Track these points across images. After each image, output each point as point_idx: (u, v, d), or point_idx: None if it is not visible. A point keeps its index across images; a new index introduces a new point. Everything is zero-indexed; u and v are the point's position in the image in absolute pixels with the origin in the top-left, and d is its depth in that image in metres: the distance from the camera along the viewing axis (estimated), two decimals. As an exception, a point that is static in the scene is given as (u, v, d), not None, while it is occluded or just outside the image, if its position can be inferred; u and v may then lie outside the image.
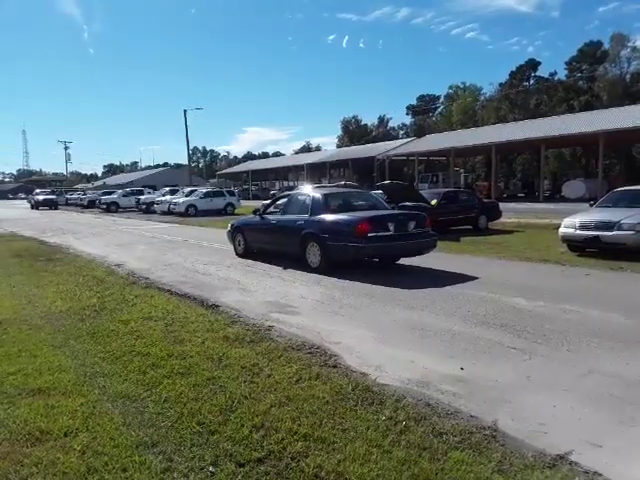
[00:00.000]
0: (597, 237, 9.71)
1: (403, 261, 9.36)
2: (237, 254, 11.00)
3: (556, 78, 65.15)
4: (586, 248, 10.19)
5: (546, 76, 66.80)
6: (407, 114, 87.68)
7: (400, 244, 8.50)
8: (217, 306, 6.41)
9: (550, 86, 64.11)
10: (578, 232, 10.04)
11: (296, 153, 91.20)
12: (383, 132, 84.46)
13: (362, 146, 58.54)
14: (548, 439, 2.96)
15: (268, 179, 73.72)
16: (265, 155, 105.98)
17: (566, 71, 63.87)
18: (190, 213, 27.88)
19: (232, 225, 11.43)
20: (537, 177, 40.33)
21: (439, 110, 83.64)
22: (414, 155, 44.34)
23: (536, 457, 2.75)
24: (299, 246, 9.05)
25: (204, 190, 31.56)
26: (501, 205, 18.85)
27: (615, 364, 4.09)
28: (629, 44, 58.92)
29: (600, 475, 2.58)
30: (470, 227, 15.82)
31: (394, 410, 3.33)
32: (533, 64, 69.26)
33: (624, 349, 4.43)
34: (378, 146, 51.67)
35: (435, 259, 9.36)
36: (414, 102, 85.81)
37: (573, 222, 10.26)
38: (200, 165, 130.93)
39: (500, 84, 70.42)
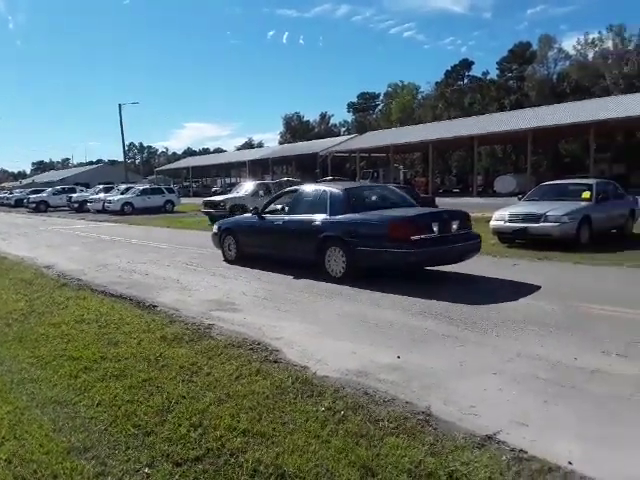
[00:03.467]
0: (525, 229, 10.27)
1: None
2: (226, 260, 9.51)
3: (488, 77, 68.00)
4: (515, 239, 10.75)
5: (479, 75, 69.62)
6: (348, 111, 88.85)
7: (446, 249, 7.03)
8: (155, 306, 6.25)
9: (483, 85, 66.84)
10: (508, 224, 10.58)
11: (238, 149, 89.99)
12: (325, 129, 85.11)
13: (305, 143, 58.66)
14: (478, 420, 3.10)
15: (210, 176, 72.38)
16: (206, 151, 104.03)
17: (498, 71, 66.81)
18: (126, 211, 26.92)
19: (219, 226, 9.91)
20: (471, 173, 41.97)
21: (379, 108, 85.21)
22: (355, 152, 44.98)
23: (466, 438, 2.88)
24: (315, 251, 7.63)
25: (141, 187, 30.58)
26: (438, 200, 19.53)
27: (540, 348, 4.35)
28: (555, 45, 62.48)
29: (525, 452, 2.73)
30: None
31: (333, 401, 3.38)
32: (467, 64, 72.01)
33: (548, 334, 4.72)
34: (320, 142, 51.98)
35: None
36: (355, 99, 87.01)
37: (503, 215, 10.80)
38: (137, 162, 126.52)
39: (436, 83, 72.74)
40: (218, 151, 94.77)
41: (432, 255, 6.89)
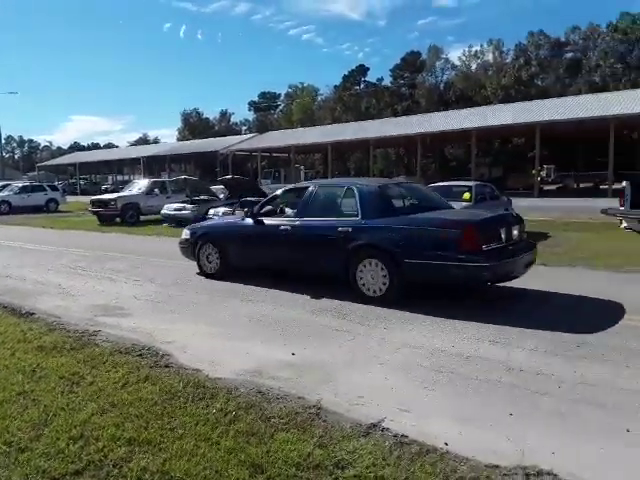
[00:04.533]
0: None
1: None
2: (205, 273, 7.65)
3: (383, 84, 71.19)
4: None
5: (374, 81, 72.62)
6: (249, 110, 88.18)
7: (516, 260, 5.73)
8: (32, 314, 5.75)
9: (378, 91, 69.82)
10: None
11: (131, 145, 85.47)
12: (226, 127, 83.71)
13: (204, 140, 57.18)
14: (365, 410, 3.25)
15: (100, 172, 67.95)
16: (96, 146, 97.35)
17: (391, 78, 70.20)
18: (3, 211, 24.45)
19: (192, 232, 7.95)
20: (368, 174, 43.65)
21: (280, 108, 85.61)
22: (257, 151, 44.76)
23: (353, 428, 3.01)
24: (341, 265, 6.11)
25: (20, 184, 27.92)
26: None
27: (422, 338, 4.65)
28: (443, 56, 67.03)
29: (406, 437, 2.91)
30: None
31: (225, 402, 3.36)
32: (363, 69, 74.72)
33: (431, 324, 5.06)
34: (221, 141, 50.99)
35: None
36: (256, 98, 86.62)
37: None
38: (16, 156, 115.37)
39: (335, 86, 74.70)
40: (109, 146, 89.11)
41: (506, 269, 5.59)
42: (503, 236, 5.77)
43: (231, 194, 16.27)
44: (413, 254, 5.60)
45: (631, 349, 4.17)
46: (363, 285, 5.98)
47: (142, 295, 6.65)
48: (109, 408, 3.29)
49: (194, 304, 6.16)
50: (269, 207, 7.59)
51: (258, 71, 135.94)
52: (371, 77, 73.88)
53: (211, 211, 14.75)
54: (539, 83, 56.57)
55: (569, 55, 57.46)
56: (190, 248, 7.90)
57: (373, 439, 2.88)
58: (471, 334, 4.70)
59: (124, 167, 64.51)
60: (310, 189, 6.92)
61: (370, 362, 4.10)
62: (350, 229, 6.09)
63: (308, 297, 6.26)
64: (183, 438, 2.90)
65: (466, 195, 11.78)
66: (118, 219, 18.01)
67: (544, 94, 47.82)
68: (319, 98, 78.17)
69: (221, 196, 17.37)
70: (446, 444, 2.80)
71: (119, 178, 60.81)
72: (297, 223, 6.67)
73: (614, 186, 22.67)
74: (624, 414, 3.10)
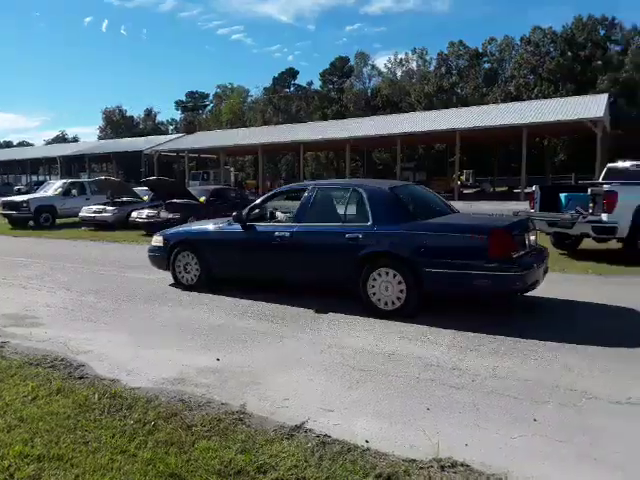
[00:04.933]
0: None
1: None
2: (180, 285, 6.91)
3: (313, 87, 71.92)
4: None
5: (304, 85, 73.19)
6: (177, 109, 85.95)
7: (539, 268, 5.38)
8: None
9: (308, 94, 70.44)
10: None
11: (48, 143, 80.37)
12: (151, 126, 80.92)
13: (128, 139, 54.91)
14: (289, 412, 3.26)
15: (13, 172, 63.28)
16: (8, 145, 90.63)
17: (321, 82, 71.07)
18: None
19: (166, 238, 7.11)
20: (298, 177, 43.85)
21: (209, 108, 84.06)
22: (184, 151, 43.57)
23: (277, 431, 3.01)
24: (349, 275, 5.58)
25: None
26: (267, 202, 19.85)
27: (349, 338, 4.74)
28: (370, 62, 68.82)
29: (329, 437, 2.95)
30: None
31: (144, 412, 3.24)
32: (293, 72, 75.15)
33: (358, 325, 5.16)
34: (146, 140, 49.17)
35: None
36: (183, 98, 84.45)
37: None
38: None
39: (265, 88, 74.47)
40: (23, 144, 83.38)
41: (534, 277, 5.21)
42: (526, 242, 5.48)
43: (156, 196, 15.76)
44: (435, 263, 5.11)
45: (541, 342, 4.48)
46: (375, 297, 5.42)
47: (56, 303, 6.27)
48: (17, 424, 3.08)
49: (114, 311, 5.89)
50: (257, 211, 6.81)
51: (185, 70, 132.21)
52: (301, 80, 74.51)
53: (137, 212, 14.18)
54: (459, 91, 59.47)
55: (487, 66, 60.90)
56: (163, 257, 7.04)
57: (296, 441, 2.90)
58: (394, 332, 4.85)
59: (40, 167, 60.52)
60: (309, 191, 6.25)
61: (297, 364, 4.12)
62: (360, 236, 5.50)
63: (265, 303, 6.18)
64: (97, 452, 2.77)
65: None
66: (31, 222, 16.88)
67: (464, 102, 50.42)
68: (249, 99, 77.58)
69: (145, 198, 16.77)
70: (367, 441, 2.87)
71: (34, 178, 56.92)
72: (296, 229, 6.00)
73: (526, 190, 24.27)
74: (531, 404, 3.32)
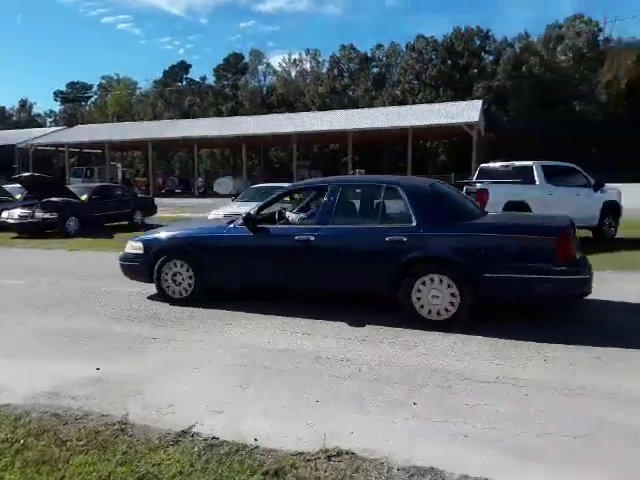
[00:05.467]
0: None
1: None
2: (168, 298, 5.92)
3: (206, 82, 70.14)
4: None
5: (197, 79, 71.15)
6: (56, 100, 79.09)
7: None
8: None
9: (202, 89, 68.58)
10: (222, 224, 11.10)
11: None
12: (26, 118, 73.72)
13: (-2, 132, 49.49)
14: (176, 418, 3.15)
15: None
16: None
17: (215, 77, 69.53)
18: None
19: (148, 245, 6.04)
20: (193, 174, 42.58)
21: (93, 100, 78.49)
22: (64, 146, 40.26)
23: (161, 438, 2.90)
24: (388, 281, 5.00)
25: None
26: (160, 200, 19.18)
27: (240, 337, 4.69)
28: (264, 60, 68.65)
29: (217, 439, 2.89)
30: (126, 223, 15.53)
31: (12, 430, 2.95)
32: (185, 66, 72.69)
33: (249, 322, 5.13)
34: (20, 133, 44.66)
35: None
36: (64, 88, 77.94)
37: (217, 215, 11.30)
38: None
39: (155, 81, 71.23)
40: None
41: (592, 280, 4.91)
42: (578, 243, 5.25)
43: (31, 194, 14.40)
44: (494, 268, 4.70)
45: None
46: (421, 307, 4.89)
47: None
48: None
49: (-22, 322, 5.28)
50: (265, 212, 6.04)
51: (67, 59, 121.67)
52: (194, 75, 72.31)
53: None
54: (351, 93, 61.50)
55: (375, 70, 63.61)
56: (143, 266, 5.98)
57: (182, 446, 2.81)
58: (285, 328, 4.89)
59: None
60: (331, 188, 5.52)
61: (185, 367, 3.99)
62: (405, 238, 4.92)
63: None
64: (-48, 481, 2.47)
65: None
66: None
67: (355, 104, 52.27)
68: (138, 92, 73.69)
69: (18, 196, 15.27)
70: (256, 440, 2.86)
71: None
72: (322, 232, 5.28)
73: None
74: (411, 389, 3.54)
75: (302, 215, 6.40)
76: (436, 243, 4.91)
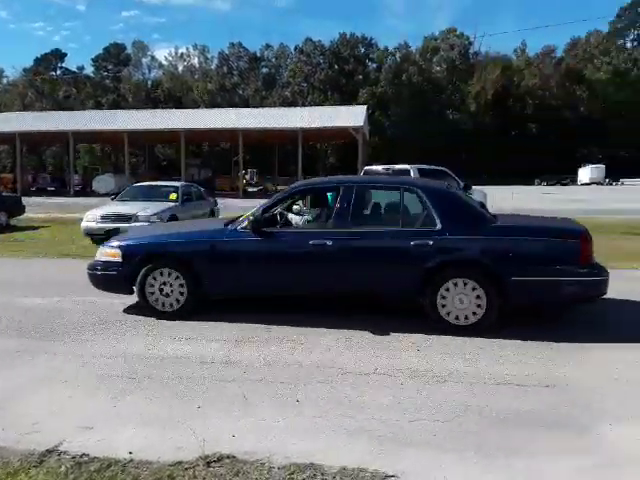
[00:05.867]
0: (118, 229, 10.29)
1: None
2: (158, 311, 5.24)
3: (84, 73, 65.22)
4: (110, 240, 10.66)
5: (74, 69, 65.91)
6: None
7: None
8: None
9: (79, 80, 63.62)
10: (100, 225, 10.37)
11: None
12: None
13: None
14: (40, 437, 2.88)
15: None
16: None
17: (94, 67, 64.91)
18: None
19: (130, 251, 5.33)
20: (68, 171, 39.38)
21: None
22: None
23: (23, 460, 2.63)
24: (412, 287, 4.84)
25: None
26: (30, 200, 17.50)
27: (118, 344, 4.42)
28: (149, 53, 65.50)
29: (87, 455, 2.69)
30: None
31: None
32: (60, 54, 67.08)
33: (128, 328, 4.85)
34: None
35: None
36: None
37: (95, 215, 10.55)
38: None
39: (25, 69, 64.75)
40: None
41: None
42: None
43: None
44: (523, 271, 4.69)
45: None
46: (445, 311, 4.76)
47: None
48: None
49: None
50: (270, 214, 5.58)
51: None
52: (70, 64, 66.91)
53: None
54: (241, 92, 60.98)
55: (265, 70, 63.74)
56: (121, 276, 5.28)
57: (46, 467, 2.58)
58: (165, 335, 4.70)
59: None
60: (344, 190, 5.19)
61: (52, 381, 3.66)
62: (430, 242, 4.77)
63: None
64: None
65: (172, 195, 11.85)
66: None
67: (245, 103, 51.91)
68: (4, 80, 66.38)
69: None
70: (130, 453, 2.71)
71: None
72: (341, 236, 4.98)
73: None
74: (295, 387, 3.58)
75: (307, 217, 6.14)
76: (463, 247, 4.84)
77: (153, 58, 65.89)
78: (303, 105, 47.97)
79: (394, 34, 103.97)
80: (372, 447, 2.78)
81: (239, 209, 17.99)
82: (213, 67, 63.65)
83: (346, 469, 2.57)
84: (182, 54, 65.33)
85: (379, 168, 11.32)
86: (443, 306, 4.76)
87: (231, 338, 4.59)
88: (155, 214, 10.52)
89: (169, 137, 36.56)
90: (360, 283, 5.07)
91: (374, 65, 61.04)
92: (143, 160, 50.19)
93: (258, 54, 62.63)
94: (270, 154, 46.31)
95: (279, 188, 40.14)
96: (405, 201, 5.09)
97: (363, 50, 60.79)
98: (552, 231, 5.08)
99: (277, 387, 3.57)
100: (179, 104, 53.37)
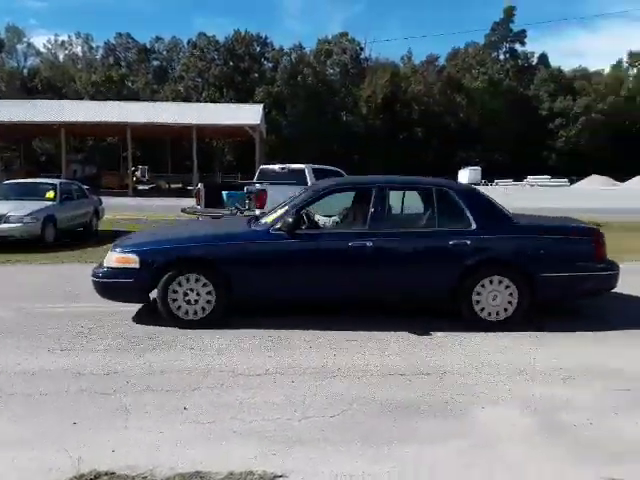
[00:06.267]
0: (-16, 231, 9.27)
1: None
2: (182, 320, 4.81)
3: (-58, 55, 57.69)
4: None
5: None
6: None
7: None
8: None
9: None
10: (-39, 227, 9.25)
11: None
12: None
13: None
14: None
15: None
16: None
17: (-46, 50, 57.63)
18: None
19: (148, 256, 4.81)
20: None
21: None
22: None
23: None
24: (449, 286, 4.94)
25: None
26: None
27: (14, 360, 3.96)
28: (25, 39, 59.61)
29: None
30: None
31: None
32: None
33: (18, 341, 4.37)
34: None
35: None
36: None
37: (-44, 216, 9.37)
38: None
39: None
40: None
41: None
42: None
43: None
44: (550, 267, 4.96)
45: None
46: (481, 309, 4.92)
47: None
48: None
49: None
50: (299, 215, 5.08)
51: None
52: None
53: None
54: (130, 85, 57.75)
55: (156, 63, 60.99)
56: (138, 283, 4.82)
57: None
58: (42, 347, 4.30)
59: None
60: (377, 191, 5.14)
61: None
62: (468, 242, 4.90)
63: None
64: None
65: (50, 194, 10.94)
66: None
67: (135, 96, 49.22)
68: None
69: None
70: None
71: None
72: (380, 237, 4.93)
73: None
74: (183, 394, 3.44)
75: (335, 218, 6.08)
76: (498, 245, 5.02)
77: (30, 45, 60.15)
78: (198, 101, 46.60)
79: (289, 34, 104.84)
80: (261, 449, 2.75)
81: (124, 209, 17.12)
82: (98, 57, 59.56)
83: (233, 474, 2.52)
84: (63, 42, 60.36)
85: (275, 167, 11.30)
86: (477, 302, 4.94)
87: (113, 347, 4.31)
88: (29, 214, 9.62)
89: (47, 130, 33.57)
90: (397, 284, 5.13)
91: (270, 64, 61.01)
92: (18, 155, 45.56)
93: (148, 46, 59.69)
94: (163, 150, 44.36)
95: (172, 186, 38.70)
96: (438, 201, 5.20)
97: (259, 49, 60.45)
98: (570, 230, 5.48)
99: (164, 395, 3.41)
100: (60, 95, 49.18)
